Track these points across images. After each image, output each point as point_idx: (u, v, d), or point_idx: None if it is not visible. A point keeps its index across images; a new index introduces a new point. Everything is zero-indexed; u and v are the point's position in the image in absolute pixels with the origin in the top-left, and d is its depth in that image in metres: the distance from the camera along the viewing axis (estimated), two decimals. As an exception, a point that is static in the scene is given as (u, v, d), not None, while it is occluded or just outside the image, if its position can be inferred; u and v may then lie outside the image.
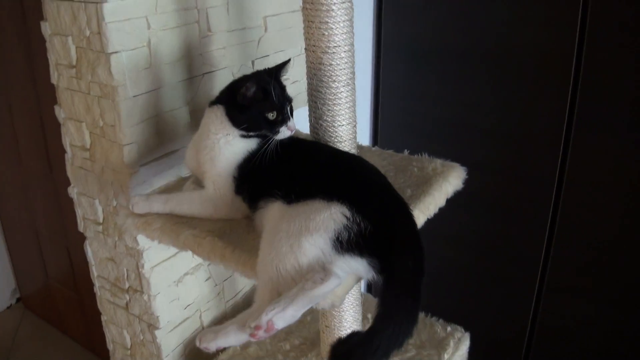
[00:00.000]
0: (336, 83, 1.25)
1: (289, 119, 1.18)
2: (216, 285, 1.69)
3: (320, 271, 0.97)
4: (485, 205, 1.97)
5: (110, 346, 1.73)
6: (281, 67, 1.22)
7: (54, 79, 1.44)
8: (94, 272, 1.64)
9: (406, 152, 1.42)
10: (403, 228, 1.04)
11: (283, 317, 0.94)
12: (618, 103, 1.64)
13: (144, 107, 1.37)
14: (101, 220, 1.53)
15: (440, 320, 1.66)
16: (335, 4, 1.19)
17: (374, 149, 1.47)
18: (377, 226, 1.00)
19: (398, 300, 1.00)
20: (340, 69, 1.25)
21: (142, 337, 1.61)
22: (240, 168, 1.18)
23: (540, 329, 1.98)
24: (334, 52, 1.23)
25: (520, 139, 1.84)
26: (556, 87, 1.72)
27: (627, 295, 1.77)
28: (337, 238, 0.99)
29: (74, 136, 1.47)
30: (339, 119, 1.28)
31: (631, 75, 1.60)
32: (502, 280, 2.03)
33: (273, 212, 1.08)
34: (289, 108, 1.19)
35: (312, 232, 1.00)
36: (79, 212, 1.58)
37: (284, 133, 1.18)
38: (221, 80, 1.53)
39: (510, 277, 2.00)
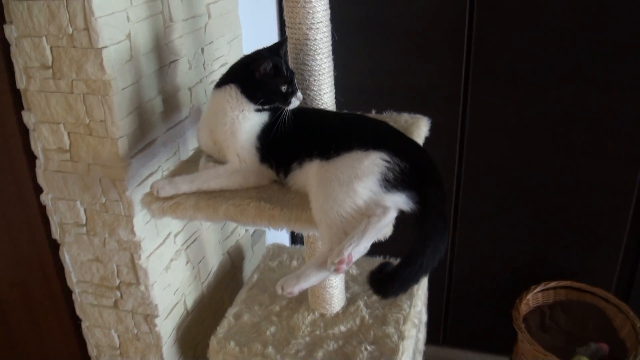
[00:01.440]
0: (320, 55, 1.46)
1: (297, 90, 1.36)
2: (194, 268, 1.79)
3: (377, 207, 1.19)
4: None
5: (93, 352, 1.75)
6: (281, 44, 1.39)
7: (21, 84, 1.44)
8: (73, 278, 1.65)
9: (373, 111, 1.66)
10: (427, 163, 1.29)
11: (358, 250, 1.14)
12: (509, 56, 2.02)
13: (130, 100, 1.44)
14: (84, 222, 1.56)
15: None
16: (316, -16, 1.39)
17: (344, 111, 1.69)
18: (412, 164, 1.24)
19: (434, 224, 1.24)
20: (323, 43, 1.45)
21: (136, 331, 1.67)
22: (260, 139, 1.34)
23: (458, 255, 2.36)
24: (317, 28, 1.43)
25: (423, 97, 2.16)
26: (452, 47, 2.06)
27: (530, 218, 2.21)
28: (384, 179, 1.21)
29: (49, 140, 1.48)
30: (324, 87, 1.49)
31: (520, 30, 1.97)
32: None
33: (312, 169, 1.26)
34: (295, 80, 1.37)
35: (361, 177, 1.20)
36: (54, 219, 1.58)
37: (294, 103, 1.36)
38: (182, 68, 1.64)
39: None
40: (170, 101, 1.61)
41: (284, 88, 1.33)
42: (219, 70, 1.84)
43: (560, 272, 2.20)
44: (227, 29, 1.86)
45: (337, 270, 1.14)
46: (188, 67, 1.67)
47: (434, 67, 2.11)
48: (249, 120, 1.33)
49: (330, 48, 1.48)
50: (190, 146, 1.72)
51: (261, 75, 1.32)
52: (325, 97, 1.50)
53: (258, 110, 1.34)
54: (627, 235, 2.09)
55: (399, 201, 1.22)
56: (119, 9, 1.38)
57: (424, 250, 1.21)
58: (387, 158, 1.22)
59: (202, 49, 1.74)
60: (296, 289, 1.18)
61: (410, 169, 1.23)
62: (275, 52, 1.36)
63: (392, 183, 1.21)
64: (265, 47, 1.41)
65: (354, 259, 1.14)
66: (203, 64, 1.75)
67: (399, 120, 1.60)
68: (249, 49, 1.94)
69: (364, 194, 1.19)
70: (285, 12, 1.44)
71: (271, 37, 2.20)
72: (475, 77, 2.07)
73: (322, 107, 1.50)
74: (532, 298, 2.15)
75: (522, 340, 1.98)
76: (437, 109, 2.15)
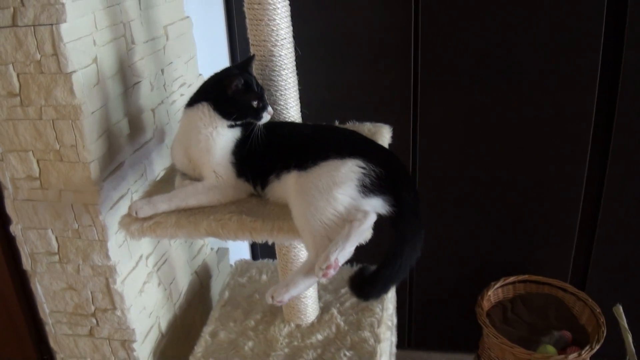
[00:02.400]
0: (285, 71, 1.54)
1: (268, 104, 1.43)
2: (166, 289, 1.82)
3: (358, 212, 1.27)
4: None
5: (68, 383, 1.76)
6: (249, 61, 1.46)
7: (-14, 115, 1.45)
8: (46, 309, 1.65)
9: (336, 122, 1.75)
10: (399, 168, 1.38)
11: (344, 254, 1.22)
12: (454, 63, 2.15)
13: (99, 123, 1.48)
14: (56, 250, 1.57)
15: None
16: (279, 2, 1.47)
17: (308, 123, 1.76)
18: (386, 169, 1.32)
19: (410, 224, 1.33)
20: (288, 58, 1.53)
21: (113, 359, 1.68)
22: (235, 154, 1.40)
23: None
24: (282, 45, 1.51)
25: (377, 106, 2.26)
26: (401, 59, 2.17)
27: (485, 217, 2.34)
28: (362, 184, 1.29)
29: (17, 169, 1.49)
30: (290, 101, 1.57)
31: (463, 39, 2.09)
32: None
33: (291, 180, 1.33)
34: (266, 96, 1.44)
35: (340, 184, 1.28)
36: (25, 250, 1.58)
37: (265, 117, 1.42)
38: (144, 90, 1.69)
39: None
40: (135, 123, 1.65)
41: (255, 103, 1.40)
42: (179, 91, 1.89)
43: (517, 267, 2.33)
44: (183, 50, 1.92)
45: (325, 276, 1.20)
46: (150, 89, 1.72)
47: (385, 78, 2.22)
48: (223, 136, 1.39)
49: (294, 63, 1.56)
50: (156, 167, 1.76)
51: (233, 92, 1.38)
52: (292, 111, 1.57)
53: (231, 126, 1.41)
54: (578, 227, 2.25)
55: (376, 205, 1.30)
56: (86, 33, 1.41)
57: (401, 251, 1.29)
58: (363, 165, 1.31)
59: (162, 70, 1.79)
60: (286, 297, 1.25)
61: (385, 174, 1.32)
62: (244, 69, 1.43)
63: (369, 188, 1.29)
64: (234, 64, 1.48)
65: (341, 263, 1.22)
66: (164, 85, 1.80)
67: (362, 129, 1.69)
68: (203, 68, 2.02)
69: (343, 200, 1.27)
70: (249, 31, 1.51)
71: (222, 57, 2.26)
72: (424, 85, 2.19)
73: (289, 120, 1.57)
74: (493, 294, 2.27)
75: (488, 334, 2.09)
76: (391, 117, 2.22)
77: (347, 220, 1.26)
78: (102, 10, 1.47)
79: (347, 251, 1.22)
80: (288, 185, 1.34)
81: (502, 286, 2.29)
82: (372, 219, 1.27)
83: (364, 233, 1.26)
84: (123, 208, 1.57)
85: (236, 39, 2.28)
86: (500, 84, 2.12)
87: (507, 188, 2.27)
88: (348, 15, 2.14)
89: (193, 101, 1.43)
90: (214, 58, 2.18)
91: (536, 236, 2.31)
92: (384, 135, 1.66)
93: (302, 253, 1.67)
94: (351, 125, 1.72)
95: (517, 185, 2.25)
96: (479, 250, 2.39)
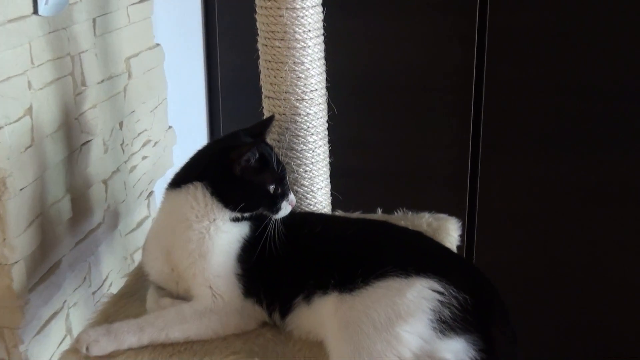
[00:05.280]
0: (314, 137, 1.38)
1: (289, 191, 1.26)
2: None
3: None
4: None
5: None
6: (265, 126, 1.29)
7: None
8: None
9: (379, 211, 1.59)
10: (489, 291, 1.22)
11: None
12: (519, 129, 2.09)
13: (31, 204, 1.29)
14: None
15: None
16: (311, 38, 1.33)
17: (338, 212, 1.61)
18: (473, 295, 1.16)
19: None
20: (318, 119, 1.38)
21: None
22: (242, 261, 1.21)
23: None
24: (311, 99, 1.36)
25: (428, 178, 2.18)
26: (457, 112, 2.09)
27: (553, 320, 2.24)
28: (438, 318, 1.12)
29: None
30: (317, 180, 1.41)
31: (537, 93, 2.04)
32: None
33: (328, 307, 1.14)
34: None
35: (406, 318, 1.10)
36: None
37: (285, 209, 1.23)
38: (95, 153, 1.52)
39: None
40: (80, 202, 1.47)
41: (272, 188, 1.23)
42: (141, 152, 1.73)
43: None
44: (150, 93, 1.77)
45: None
46: (103, 150, 1.56)
47: (437, 139, 2.17)
48: (225, 234, 1.21)
49: (326, 126, 1.42)
50: (104, 268, 1.59)
51: (242, 170, 1.20)
52: (320, 194, 1.42)
53: (236, 220, 1.23)
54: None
55: (458, 349, 1.12)
56: (17, 72, 1.24)
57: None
58: (439, 288, 1.13)
59: (121, 123, 1.63)
60: None
61: (472, 302, 1.15)
62: (259, 137, 1.27)
63: (449, 324, 1.11)
64: (244, 128, 1.30)
65: None
66: (121, 144, 1.64)
67: (419, 222, 1.52)
68: (173, 119, 1.87)
69: (411, 343, 1.09)
70: (263, 77, 1.36)
71: (199, 101, 2.13)
72: (485, 151, 2.14)
73: (315, 207, 1.41)
74: None
75: None
76: (442, 191, 2.19)
77: None
78: (42, 37, 1.30)
79: None
80: (324, 315, 1.15)
81: None
82: (454, 372, 1.10)
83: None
84: (55, 333, 1.41)
85: (218, 77, 2.15)
86: (575, 153, 2.09)
87: (581, 280, 2.21)
88: (389, 53, 2.07)
89: (181, 179, 1.24)
90: (186, 103, 2.04)
91: (615, 339, 2.25)
92: (450, 234, 1.50)
93: None
94: (401, 217, 1.56)
95: (593, 279, 2.20)
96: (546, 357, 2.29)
